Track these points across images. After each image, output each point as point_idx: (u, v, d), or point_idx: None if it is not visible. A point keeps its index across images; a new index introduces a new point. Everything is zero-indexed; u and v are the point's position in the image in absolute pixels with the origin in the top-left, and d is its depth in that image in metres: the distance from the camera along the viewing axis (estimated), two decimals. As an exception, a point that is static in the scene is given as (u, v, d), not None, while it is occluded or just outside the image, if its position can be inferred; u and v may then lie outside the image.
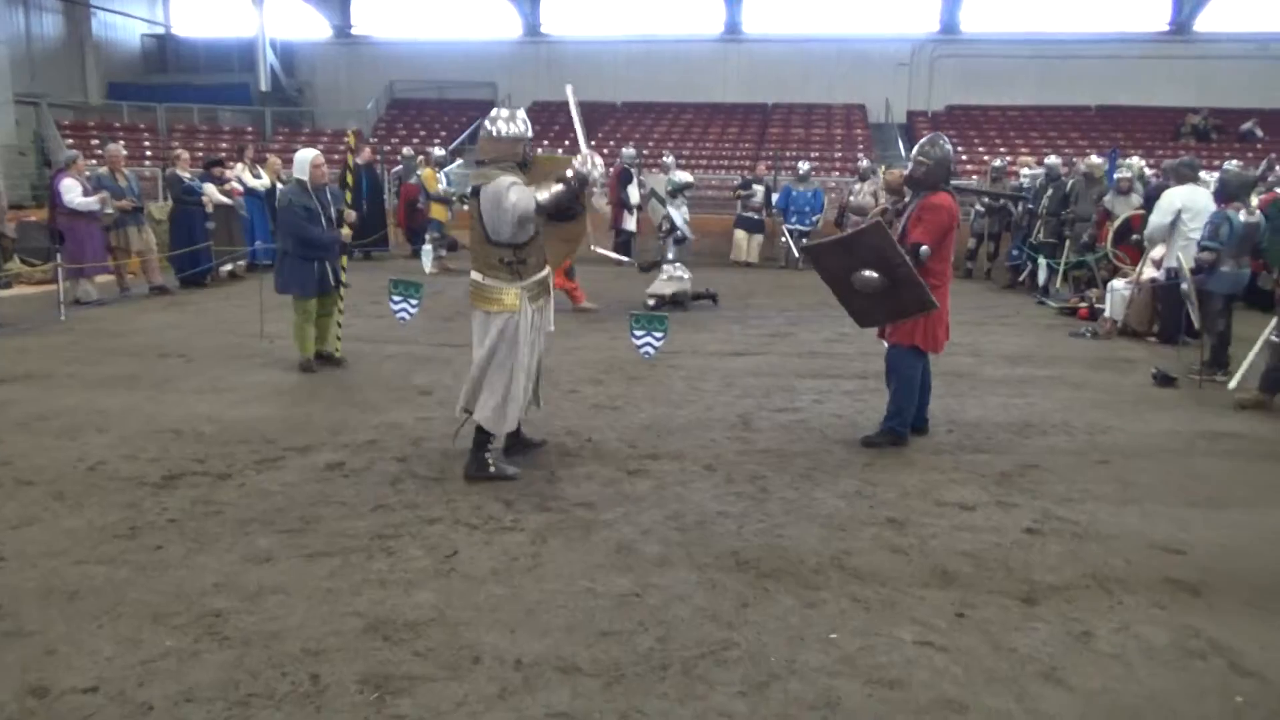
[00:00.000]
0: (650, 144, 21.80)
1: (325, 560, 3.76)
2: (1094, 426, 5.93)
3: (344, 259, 7.94)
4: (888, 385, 5.54)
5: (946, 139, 5.53)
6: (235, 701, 2.77)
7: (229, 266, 12.26)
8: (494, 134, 4.65)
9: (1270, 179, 8.95)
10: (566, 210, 4.78)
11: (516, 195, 4.45)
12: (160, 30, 27.92)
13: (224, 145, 21.99)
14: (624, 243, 14.38)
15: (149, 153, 21.61)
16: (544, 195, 4.51)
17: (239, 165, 13.04)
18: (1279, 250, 8.66)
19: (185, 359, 7.55)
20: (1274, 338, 6.51)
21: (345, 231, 7.45)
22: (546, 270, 4.90)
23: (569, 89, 4.99)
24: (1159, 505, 4.53)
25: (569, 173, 4.60)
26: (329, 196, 7.27)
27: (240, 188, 12.49)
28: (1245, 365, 7.04)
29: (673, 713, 2.75)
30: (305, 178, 7.10)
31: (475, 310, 4.81)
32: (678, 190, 10.64)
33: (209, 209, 11.70)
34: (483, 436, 4.79)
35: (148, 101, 24.04)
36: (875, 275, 5.04)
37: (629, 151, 15.00)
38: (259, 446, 5.25)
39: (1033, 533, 4.15)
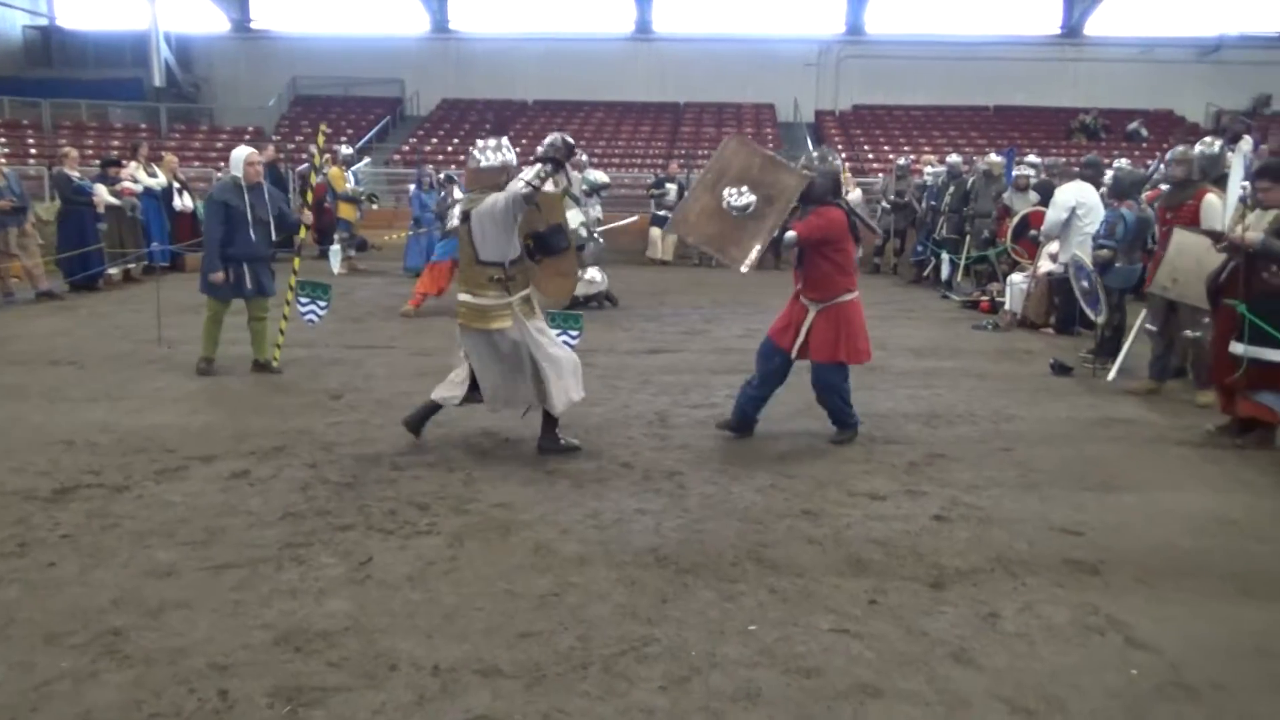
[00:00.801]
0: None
1: (232, 572, 3.63)
2: (997, 415, 6.15)
3: (295, 261, 7.62)
4: (822, 404, 5.51)
5: (835, 154, 5.61)
6: (137, 722, 2.65)
7: (114, 270, 11.74)
8: (480, 164, 4.90)
9: (1156, 176, 9.42)
10: (552, 246, 5.10)
11: (505, 192, 4.69)
12: (43, 21, 26.59)
13: (115, 143, 21.10)
14: None
15: (33, 150, 20.57)
16: (529, 175, 4.71)
17: (133, 164, 12.51)
18: None
19: (77, 366, 7.20)
20: (1149, 326, 6.85)
21: (302, 233, 7.35)
22: (529, 289, 5.06)
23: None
24: (1058, 489, 4.72)
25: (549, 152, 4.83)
26: (265, 196, 6.98)
27: (134, 187, 11.98)
28: (1120, 357, 7.34)
29: (594, 711, 2.74)
30: (240, 175, 6.86)
31: (468, 330, 4.98)
32: (594, 190, 10.62)
33: (100, 210, 11.20)
34: (553, 420, 5.14)
35: (31, 97, 22.84)
36: (746, 198, 5.01)
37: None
38: (158, 456, 5.04)
39: (941, 520, 4.28)
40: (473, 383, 5.16)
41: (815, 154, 5.43)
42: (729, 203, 5.05)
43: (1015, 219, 10.71)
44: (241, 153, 7.01)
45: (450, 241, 9.97)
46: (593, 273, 10.31)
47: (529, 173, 4.72)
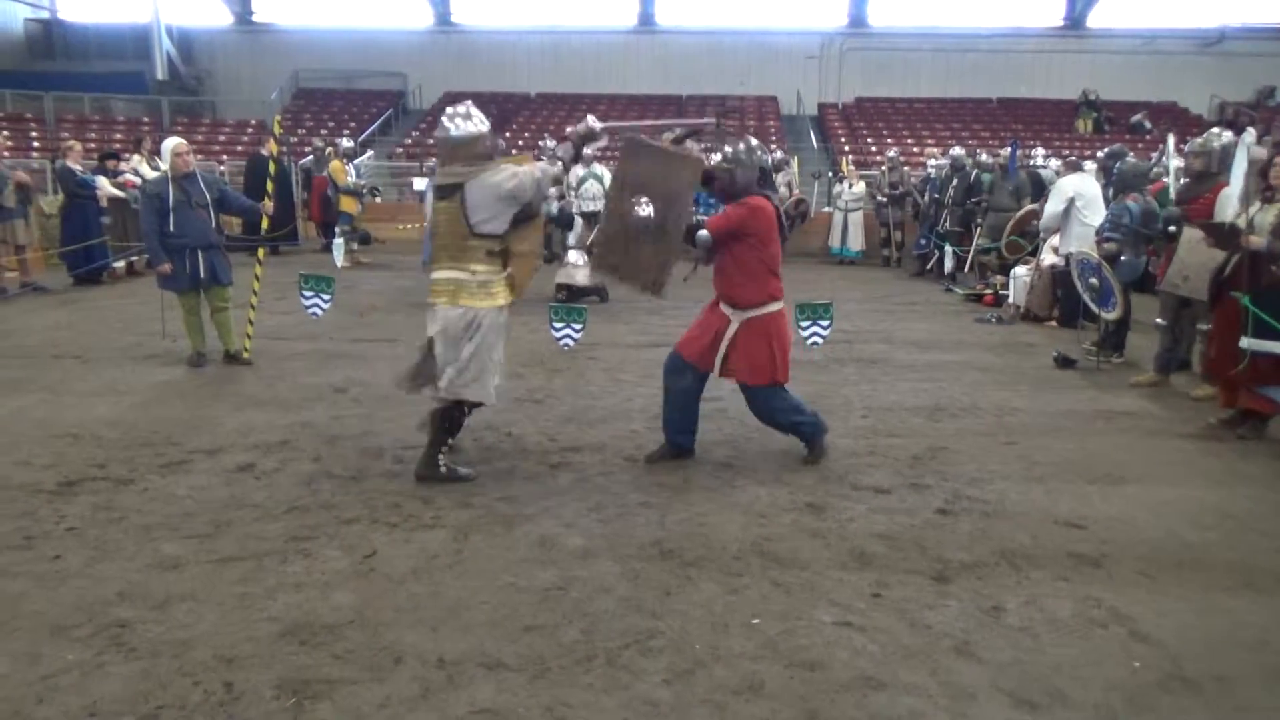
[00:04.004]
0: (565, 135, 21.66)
1: (237, 565, 3.64)
2: (1001, 408, 6.15)
3: (261, 252, 7.71)
4: (774, 426, 5.00)
5: (758, 143, 4.91)
6: (144, 714, 2.67)
7: (120, 263, 11.76)
8: (452, 134, 4.44)
9: (1158, 169, 9.41)
10: (527, 214, 4.57)
11: (531, 169, 4.42)
12: (45, 14, 26.54)
13: (118, 136, 21.10)
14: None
15: (36, 144, 20.56)
16: (563, 152, 4.55)
17: (136, 157, 12.51)
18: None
19: (81, 360, 7.21)
20: (1158, 320, 6.85)
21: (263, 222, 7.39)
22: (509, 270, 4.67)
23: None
24: (1062, 482, 4.72)
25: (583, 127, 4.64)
26: (200, 185, 6.99)
27: (136, 180, 11.98)
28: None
29: (598, 703, 2.75)
30: (166, 167, 6.95)
31: (452, 307, 4.48)
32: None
33: (103, 203, 11.20)
34: (442, 435, 4.61)
35: (33, 90, 22.82)
36: (646, 210, 4.45)
37: (552, 144, 14.80)
38: (164, 449, 5.06)
39: (944, 513, 4.28)
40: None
41: (742, 145, 4.76)
42: (632, 219, 4.48)
43: (1019, 214, 10.68)
44: (169, 144, 7.08)
45: None
46: (574, 256, 10.26)
47: (563, 150, 4.55)
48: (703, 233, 4.57)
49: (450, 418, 4.64)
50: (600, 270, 4.86)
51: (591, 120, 4.74)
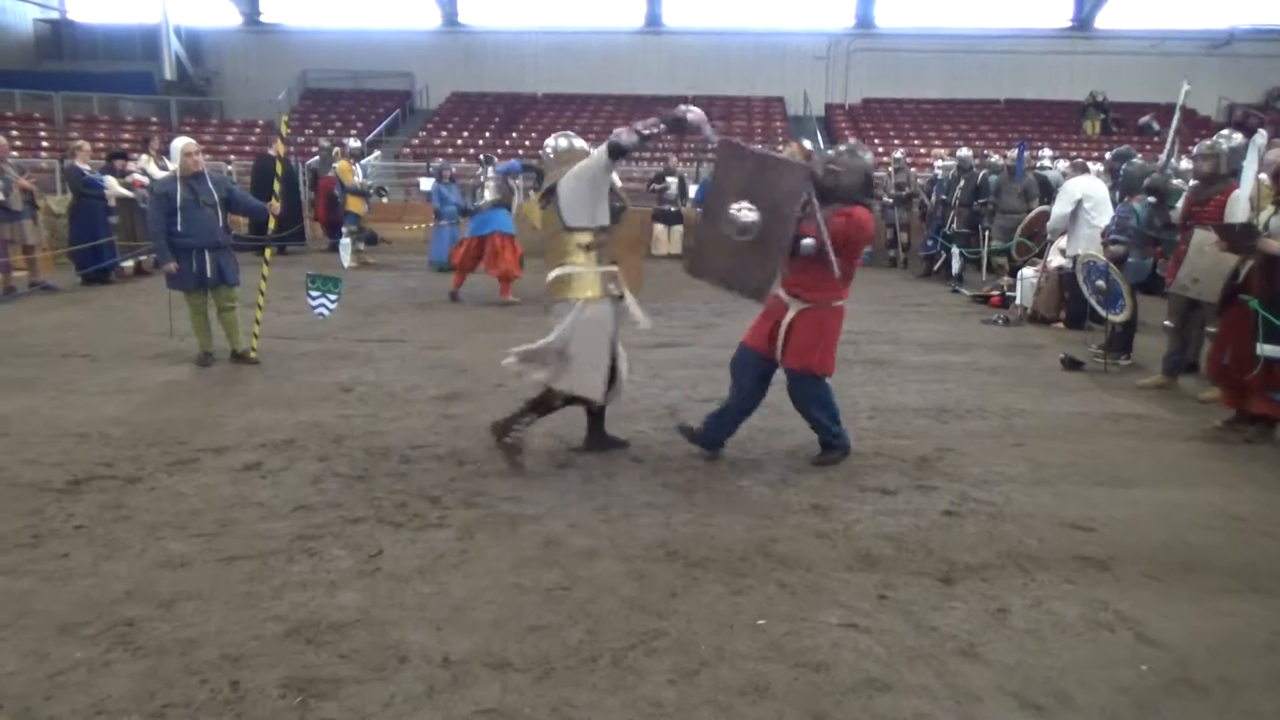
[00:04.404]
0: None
1: (243, 563, 3.65)
2: (1007, 410, 6.13)
3: (268, 252, 7.74)
4: (804, 416, 5.00)
5: (866, 149, 4.94)
6: (150, 713, 2.67)
7: (129, 262, 11.80)
8: (551, 153, 4.86)
9: (1167, 171, 9.37)
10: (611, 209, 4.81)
11: (594, 153, 4.62)
12: (55, 15, 26.67)
13: (127, 136, 21.19)
14: None
15: (45, 144, 20.66)
16: (640, 125, 4.53)
17: (144, 157, 12.56)
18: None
19: (89, 359, 7.24)
20: (1166, 323, 6.83)
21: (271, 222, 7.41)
22: (615, 267, 4.85)
23: None
24: (1068, 485, 4.71)
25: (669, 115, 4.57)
26: (209, 185, 7.02)
27: (144, 179, 12.02)
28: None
29: (603, 704, 2.75)
30: (175, 167, 6.96)
31: (555, 303, 4.73)
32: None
33: (111, 203, 11.24)
34: (530, 407, 4.80)
35: (42, 90, 22.92)
36: (751, 216, 4.41)
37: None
38: (171, 448, 5.07)
39: (951, 515, 4.27)
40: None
41: (844, 148, 4.84)
42: (731, 225, 4.45)
43: (1029, 216, 10.64)
44: (179, 143, 7.09)
45: (483, 216, 10.21)
46: None
47: (640, 124, 4.51)
48: (807, 241, 4.55)
49: (545, 399, 4.80)
50: (701, 276, 4.82)
51: (697, 114, 4.58)
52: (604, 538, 3.96)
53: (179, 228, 6.85)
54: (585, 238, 4.68)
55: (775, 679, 2.89)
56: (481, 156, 12.84)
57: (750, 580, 3.57)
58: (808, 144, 4.79)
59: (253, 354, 7.21)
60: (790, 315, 4.77)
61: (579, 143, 4.91)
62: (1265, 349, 5.21)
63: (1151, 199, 7.50)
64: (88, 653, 2.98)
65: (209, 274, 7.01)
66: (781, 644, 3.10)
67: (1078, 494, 4.57)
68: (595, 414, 5.09)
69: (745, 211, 4.43)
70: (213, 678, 2.85)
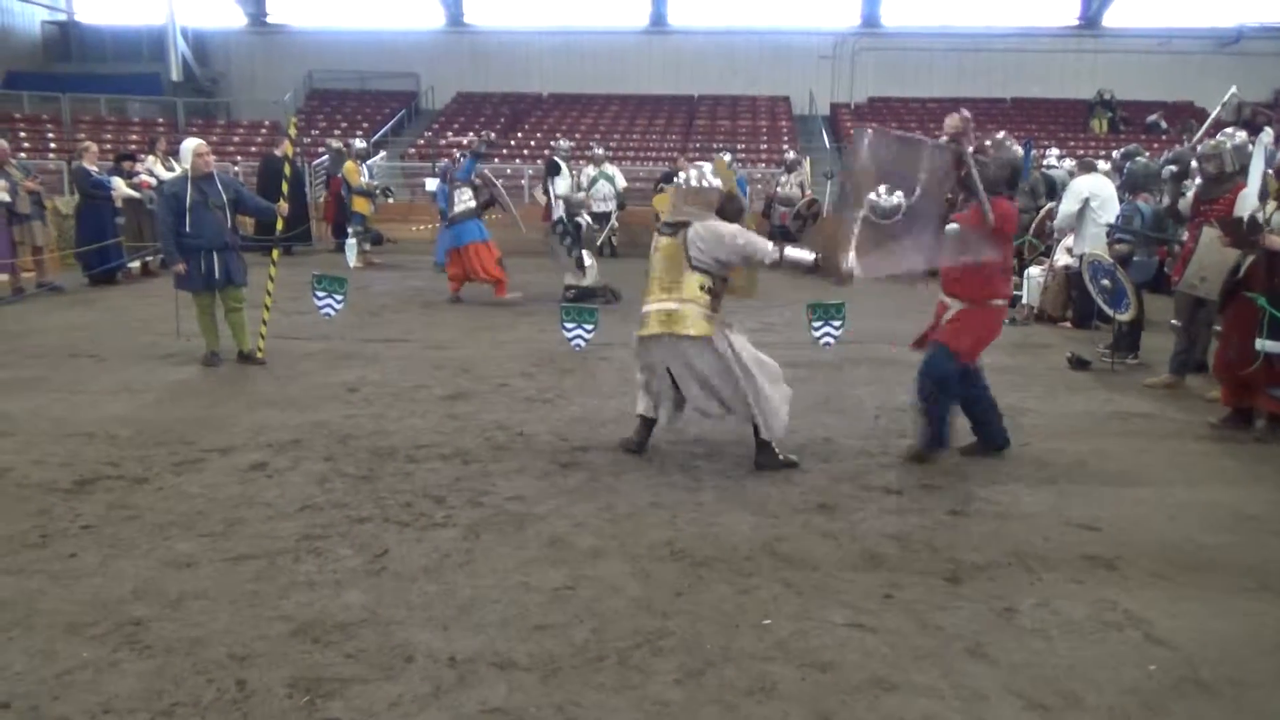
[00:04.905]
0: (577, 135, 21.72)
1: (250, 563, 3.66)
2: (1014, 409, 6.10)
3: (275, 253, 7.76)
4: (919, 392, 4.95)
5: (1014, 141, 4.91)
6: (158, 711, 2.68)
7: (135, 263, 11.83)
8: (698, 187, 4.87)
9: (1198, 150, 9.31)
10: (729, 216, 4.89)
11: (751, 241, 4.75)
12: (62, 17, 26.76)
13: (134, 137, 21.24)
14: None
15: (53, 145, 20.72)
16: (790, 253, 4.76)
17: (150, 158, 12.59)
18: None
19: (96, 359, 7.26)
20: (1174, 321, 6.80)
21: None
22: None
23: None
24: (1075, 484, 4.69)
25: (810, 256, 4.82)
26: (218, 186, 7.04)
27: (151, 180, 12.06)
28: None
29: (609, 703, 2.75)
30: (187, 167, 6.97)
31: (660, 339, 4.80)
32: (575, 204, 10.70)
33: (118, 204, 11.27)
34: (764, 443, 4.90)
35: (50, 91, 23.00)
36: (894, 199, 4.47)
37: (564, 144, 14.77)
38: (177, 448, 5.09)
39: (957, 514, 4.26)
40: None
41: (993, 139, 4.85)
42: (874, 210, 4.51)
43: (1040, 214, 10.60)
44: (190, 144, 7.09)
45: (455, 230, 10.20)
46: (586, 257, 10.25)
47: (794, 251, 4.76)
48: (952, 226, 4.61)
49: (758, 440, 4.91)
50: (866, 272, 4.82)
51: (964, 115, 4.71)
52: (609, 537, 3.95)
53: (188, 228, 6.86)
54: (706, 281, 4.80)
55: (781, 678, 2.88)
56: (436, 166, 12.70)
57: (756, 580, 3.56)
58: (965, 112, 4.80)
59: (259, 354, 7.22)
60: (950, 314, 4.88)
61: (713, 183, 4.92)
62: (1267, 345, 5.19)
63: (1172, 167, 7.42)
64: (95, 652, 2.99)
65: (217, 275, 7.02)
66: (787, 643, 3.09)
67: (1085, 493, 4.55)
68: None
69: (886, 194, 4.52)
70: (220, 677, 2.85)
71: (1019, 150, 4.81)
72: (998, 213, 4.60)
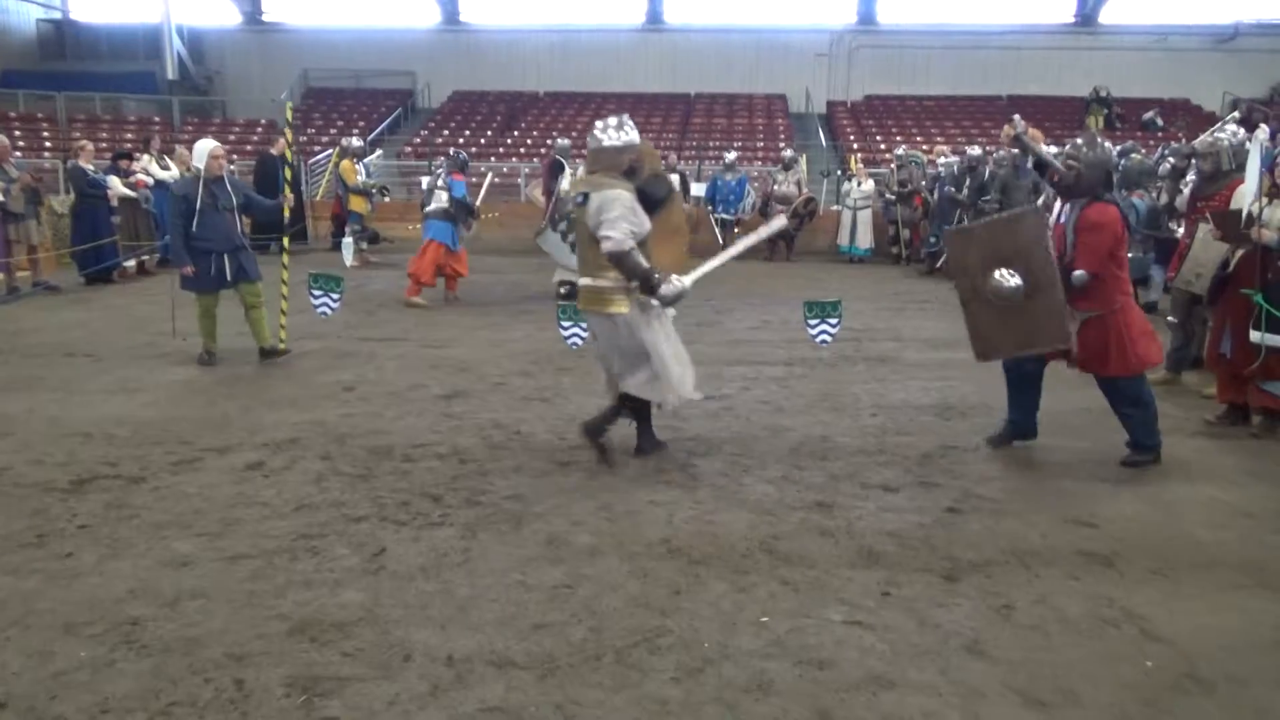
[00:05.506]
0: (574, 134, 21.66)
1: (247, 562, 3.65)
2: (1010, 407, 6.11)
3: (285, 240, 7.75)
4: (1118, 414, 4.96)
5: (1104, 140, 4.81)
6: (156, 711, 2.68)
7: (131, 262, 11.81)
8: (603, 143, 4.62)
9: (1164, 169, 9.36)
10: (653, 196, 4.66)
11: (621, 232, 4.42)
12: (57, 15, 26.70)
13: (129, 136, 21.19)
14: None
15: (48, 144, 20.68)
16: (669, 292, 4.57)
17: (146, 157, 12.56)
18: None
19: (93, 359, 7.25)
20: (1170, 318, 6.81)
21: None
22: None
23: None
24: (1073, 481, 4.70)
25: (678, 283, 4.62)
26: (228, 188, 7.03)
27: (147, 180, 12.03)
28: None
29: (608, 702, 2.75)
30: (200, 168, 6.94)
31: (589, 314, 4.84)
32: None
33: (114, 203, 11.25)
34: (643, 413, 4.94)
35: (45, 90, 22.95)
36: (1014, 280, 4.49)
37: (563, 142, 14.73)
38: (174, 448, 5.08)
39: (954, 511, 4.26)
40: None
41: (1080, 140, 4.75)
42: (998, 293, 4.54)
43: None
44: (204, 146, 7.07)
45: (425, 224, 10.24)
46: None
47: (668, 291, 4.54)
48: (1078, 273, 4.55)
49: (634, 407, 4.91)
50: (998, 355, 4.89)
51: (1019, 122, 4.80)
52: (607, 535, 3.95)
53: (195, 230, 6.84)
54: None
55: (779, 676, 2.88)
56: (437, 161, 12.70)
57: (753, 577, 3.56)
58: (1019, 120, 4.81)
59: (282, 345, 7.21)
60: (1074, 327, 4.70)
61: (628, 137, 4.62)
62: (1266, 338, 5.19)
63: (1171, 161, 7.43)
64: (92, 652, 2.98)
65: (229, 275, 7.01)
66: (785, 641, 3.09)
67: (1082, 490, 4.56)
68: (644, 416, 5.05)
69: (1005, 278, 4.52)
70: (217, 677, 2.85)
71: (1110, 148, 4.69)
72: (1102, 226, 4.53)
